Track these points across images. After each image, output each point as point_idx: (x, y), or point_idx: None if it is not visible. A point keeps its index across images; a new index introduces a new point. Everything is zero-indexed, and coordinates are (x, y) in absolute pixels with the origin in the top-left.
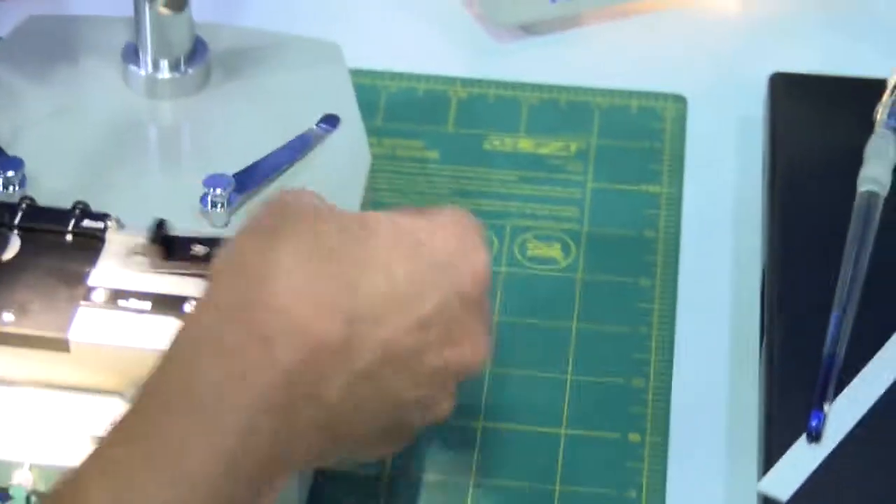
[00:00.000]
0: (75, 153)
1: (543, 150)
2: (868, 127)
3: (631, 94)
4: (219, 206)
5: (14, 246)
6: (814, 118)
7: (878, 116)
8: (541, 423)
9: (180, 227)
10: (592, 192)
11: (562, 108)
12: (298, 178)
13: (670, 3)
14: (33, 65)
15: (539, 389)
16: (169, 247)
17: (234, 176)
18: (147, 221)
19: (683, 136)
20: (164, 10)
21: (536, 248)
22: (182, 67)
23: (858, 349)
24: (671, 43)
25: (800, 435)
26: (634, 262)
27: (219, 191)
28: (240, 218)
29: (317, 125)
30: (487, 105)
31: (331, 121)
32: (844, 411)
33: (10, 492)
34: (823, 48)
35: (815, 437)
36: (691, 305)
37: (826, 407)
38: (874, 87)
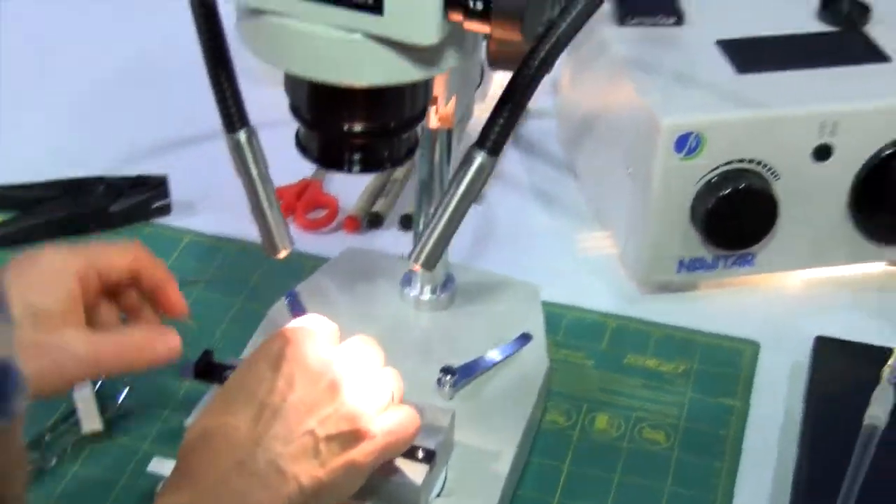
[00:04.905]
0: None
1: (661, 368)
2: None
3: (723, 336)
4: (447, 386)
5: None
6: (842, 372)
7: (885, 373)
8: None
9: (419, 397)
10: (690, 399)
11: (676, 341)
12: (499, 373)
13: (758, 279)
14: (343, 279)
15: None
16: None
17: (457, 368)
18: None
19: (754, 369)
20: (416, 268)
21: (648, 433)
22: (438, 292)
23: None
24: (755, 306)
25: None
26: (710, 448)
27: (448, 377)
28: (461, 393)
29: (516, 339)
30: (629, 334)
31: (526, 337)
32: None
33: None
34: (863, 320)
35: None
36: (746, 481)
37: None
38: (888, 355)
